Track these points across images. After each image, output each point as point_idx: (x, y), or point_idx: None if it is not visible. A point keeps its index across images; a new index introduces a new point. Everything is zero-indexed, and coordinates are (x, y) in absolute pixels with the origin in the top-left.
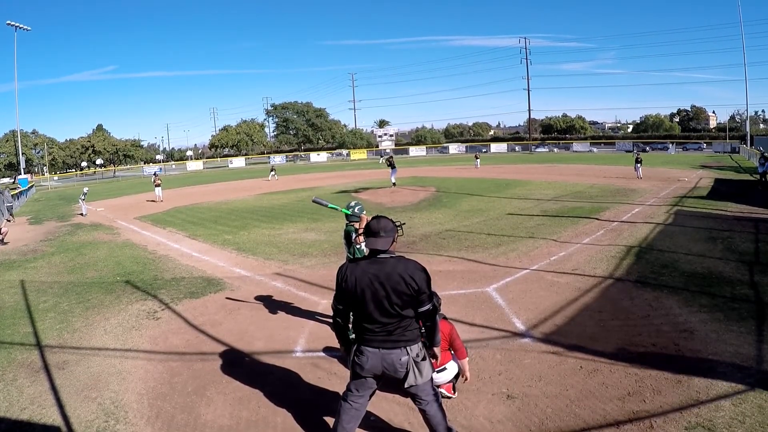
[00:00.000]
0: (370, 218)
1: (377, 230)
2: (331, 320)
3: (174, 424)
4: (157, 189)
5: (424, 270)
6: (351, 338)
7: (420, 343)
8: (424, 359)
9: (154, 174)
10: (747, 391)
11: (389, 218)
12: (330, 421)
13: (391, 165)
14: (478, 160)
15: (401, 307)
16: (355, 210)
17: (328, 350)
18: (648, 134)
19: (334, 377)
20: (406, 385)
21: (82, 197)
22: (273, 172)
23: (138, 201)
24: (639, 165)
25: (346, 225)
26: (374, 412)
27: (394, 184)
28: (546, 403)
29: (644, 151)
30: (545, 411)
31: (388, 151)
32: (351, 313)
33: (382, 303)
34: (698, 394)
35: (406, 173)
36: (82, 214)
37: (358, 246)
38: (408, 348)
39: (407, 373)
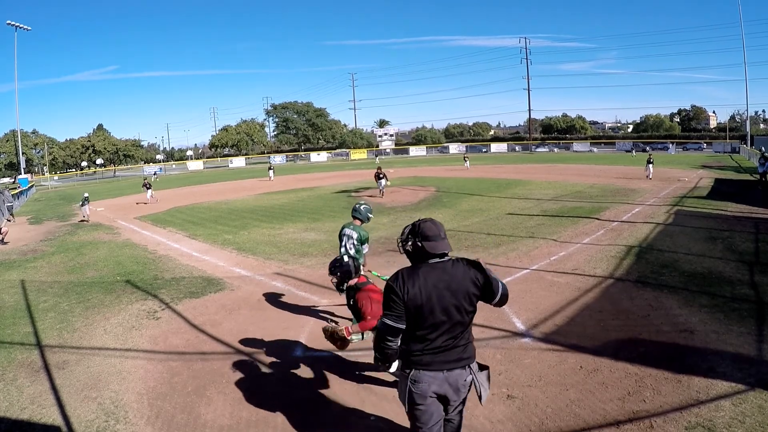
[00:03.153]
0: (422, 223)
1: (437, 233)
2: (327, 320)
3: (174, 424)
4: (148, 191)
5: (480, 262)
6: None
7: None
8: (481, 369)
9: (154, 174)
10: (747, 391)
11: (435, 219)
12: (330, 421)
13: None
14: (467, 162)
15: (469, 312)
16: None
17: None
18: (648, 134)
19: (333, 377)
20: (483, 402)
21: (84, 203)
22: (271, 171)
23: (138, 201)
24: (650, 165)
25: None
26: (374, 412)
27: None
28: (546, 403)
29: (644, 151)
30: (545, 411)
31: (388, 151)
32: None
33: (451, 311)
34: (698, 394)
35: (404, 173)
36: (84, 220)
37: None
38: (470, 366)
39: (477, 392)
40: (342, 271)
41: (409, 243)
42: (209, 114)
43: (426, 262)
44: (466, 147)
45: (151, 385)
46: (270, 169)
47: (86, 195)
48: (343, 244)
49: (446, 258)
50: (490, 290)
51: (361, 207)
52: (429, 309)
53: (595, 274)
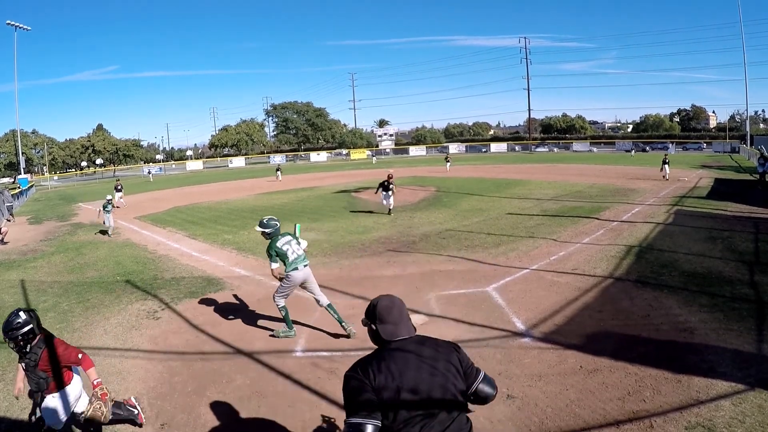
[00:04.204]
0: (378, 302)
1: (394, 314)
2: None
3: (174, 424)
4: (117, 194)
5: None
6: None
7: None
8: None
9: (149, 173)
10: (747, 390)
11: (396, 297)
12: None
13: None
14: (449, 163)
15: (459, 391)
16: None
17: None
18: (648, 134)
19: (333, 377)
20: None
21: (108, 208)
22: (279, 172)
23: (138, 201)
24: (667, 165)
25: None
26: None
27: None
28: (546, 403)
29: (644, 150)
30: (545, 411)
31: (388, 151)
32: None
33: (434, 392)
34: (698, 393)
35: (402, 173)
36: (106, 232)
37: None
38: None
39: None
40: (24, 333)
41: (369, 326)
42: (209, 114)
43: (387, 347)
44: (466, 147)
45: (151, 385)
46: (277, 170)
47: (109, 198)
48: (293, 250)
49: (411, 337)
50: (470, 376)
51: (271, 221)
52: (405, 396)
53: (595, 273)
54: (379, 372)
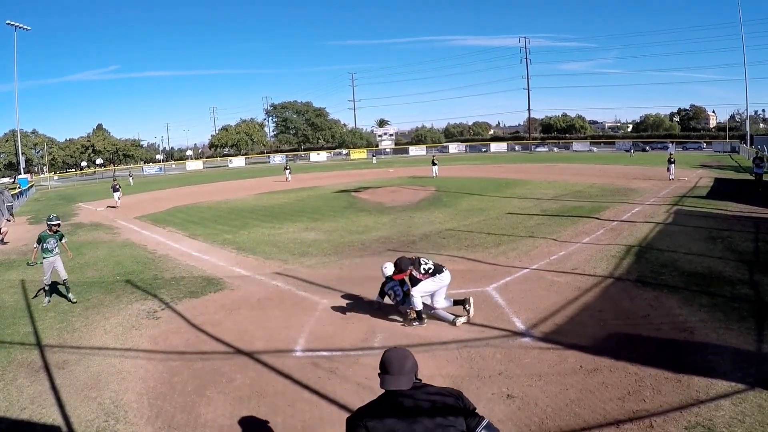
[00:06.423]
0: (386, 352)
1: (393, 366)
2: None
3: (174, 424)
4: (115, 194)
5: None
6: None
7: None
8: None
9: (129, 175)
10: (747, 390)
11: (406, 350)
12: (330, 420)
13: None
14: (436, 167)
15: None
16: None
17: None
18: (648, 134)
19: (333, 376)
20: None
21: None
22: (288, 171)
23: (138, 200)
24: (673, 165)
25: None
26: None
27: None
28: (546, 403)
29: (644, 150)
30: (545, 410)
31: (388, 150)
32: None
33: None
34: (698, 393)
35: (399, 173)
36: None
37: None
38: None
39: None
40: None
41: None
42: (209, 114)
43: (384, 396)
44: (466, 147)
45: (151, 385)
46: (286, 169)
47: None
48: (53, 244)
49: (403, 390)
50: (470, 419)
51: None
52: None
53: (595, 273)
54: (371, 418)
